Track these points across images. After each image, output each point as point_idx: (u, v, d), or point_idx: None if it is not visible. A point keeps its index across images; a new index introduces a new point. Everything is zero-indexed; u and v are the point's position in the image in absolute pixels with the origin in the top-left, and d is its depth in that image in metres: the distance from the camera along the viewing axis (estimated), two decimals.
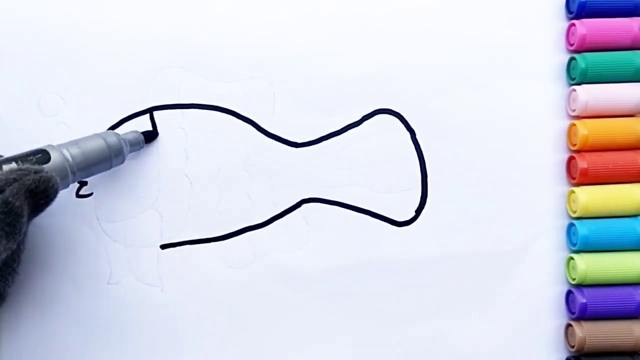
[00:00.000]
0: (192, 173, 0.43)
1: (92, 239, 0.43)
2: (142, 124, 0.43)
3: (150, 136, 0.43)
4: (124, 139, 0.40)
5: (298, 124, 0.43)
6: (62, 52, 0.43)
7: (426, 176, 0.43)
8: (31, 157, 0.35)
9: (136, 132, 0.42)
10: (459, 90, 0.43)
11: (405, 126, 0.43)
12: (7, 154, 0.36)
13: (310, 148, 0.43)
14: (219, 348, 0.42)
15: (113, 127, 0.43)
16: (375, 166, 0.43)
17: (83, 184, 0.43)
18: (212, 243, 0.43)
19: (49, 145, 0.37)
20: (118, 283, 0.43)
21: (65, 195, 0.43)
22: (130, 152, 0.41)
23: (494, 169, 0.43)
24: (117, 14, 0.43)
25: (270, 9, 0.43)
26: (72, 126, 0.43)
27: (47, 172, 0.34)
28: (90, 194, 0.43)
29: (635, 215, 0.41)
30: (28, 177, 0.33)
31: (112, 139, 0.39)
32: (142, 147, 0.42)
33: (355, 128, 0.43)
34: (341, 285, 0.42)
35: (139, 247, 0.43)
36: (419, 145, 0.43)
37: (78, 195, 0.43)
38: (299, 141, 0.43)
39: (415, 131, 0.43)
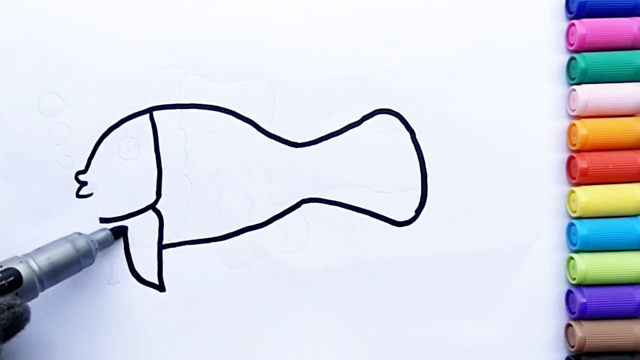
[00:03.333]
0: (192, 173, 0.43)
1: None
2: (142, 123, 0.43)
3: (120, 232, 0.42)
4: (92, 240, 0.40)
5: (298, 124, 0.43)
6: (62, 52, 0.43)
7: (426, 176, 0.43)
8: (3, 282, 0.35)
9: (105, 230, 0.42)
10: (459, 90, 0.43)
11: (405, 126, 0.43)
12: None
13: (310, 148, 0.43)
14: (218, 347, 0.42)
15: (113, 127, 0.43)
16: (375, 166, 0.43)
17: (83, 183, 0.43)
18: (212, 243, 0.43)
19: (14, 258, 0.36)
20: (118, 283, 0.43)
21: (65, 195, 0.43)
22: (100, 250, 0.41)
23: (494, 168, 0.43)
24: (117, 15, 0.43)
25: (270, 9, 0.43)
26: (72, 126, 0.43)
27: (20, 305, 0.34)
28: (91, 194, 0.43)
29: (635, 215, 0.41)
30: (2, 317, 0.33)
31: (80, 243, 0.39)
32: (111, 244, 0.42)
33: (355, 128, 0.43)
34: (341, 285, 0.42)
35: (139, 247, 0.43)
36: (419, 145, 0.43)
37: (78, 196, 0.43)
38: (299, 141, 0.43)
39: (415, 131, 0.43)
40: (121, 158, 0.43)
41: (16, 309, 0.34)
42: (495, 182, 0.43)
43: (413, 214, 0.43)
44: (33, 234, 0.42)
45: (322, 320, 0.42)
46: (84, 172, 0.43)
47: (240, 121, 0.43)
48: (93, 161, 0.43)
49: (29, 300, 0.36)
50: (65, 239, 0.39)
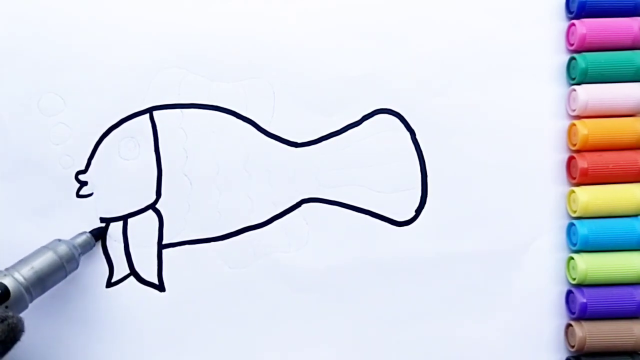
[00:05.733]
0: (192, 173, 0.43)
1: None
2: (142, 123, 0.43)
3: (100, 234, 0.42)
4: (73, 245, 0.40)
5: (298, 124, 0.43)
6: (62, 52, 0.43)
7: (426, 176, 0.43)
8: None
9: (84, 233, 0.41)
10: (459, 90, 0.43)
11: (405, 126, 0.43)
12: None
13: (310, 148, 0.43)
14: (219, 347, 0.42)
15: (113, 127, 0.43)
16: (375, 166, 0.43)
17: (83, 183, 0.43)
18: (212, 243, 0.43)
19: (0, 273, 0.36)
20: (118, 283, 0.43)
21: (65, 195, 0.43)
22: (82, 254, 0.41)
23: (494, 168, 0.43)
24: (117, 14, 0.43)
25: (270, 9, 0.43)
26: (72, 126, 0.43)
27: (13, 317, 0.34)
28: (91, 194, 0.43)
29: (635, 215, 0.41)
30: None
31: (62, 249, 0.39)
32: (93, 246, 0.42)
33: (355, 128, 0.43)
34: (341, 285, 0.42)
35: (139, 247, 0.43)
36: (419, 145, 0.43)
37: (78, 195, 0.43)
38: (299, 141, 0.43)
39: (415, 131, 0.43)
40: (121, 158, 0.43)
41: (9, 320, 0.34)
42: (495, 182, 0.43)
43: (413, 214, 0.43)
44: (33, 234, 0.42)
45: (322, 320, 0.42)
46: (84, 172, 0.43)
47: (240, 121, 0.43)
48: (93, 161, 0.43)
49: (20, 312, 0.36)
50: (46, 247, 0.39)
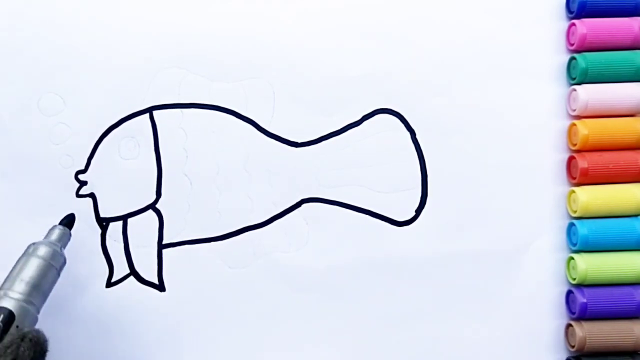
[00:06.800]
0: (192, 173, 0.43)
1: (92, 239, 0.43)
2: (142, 123, 0.43)
3: (71, 221, 0.41)
4: (50, 241, 0.38)
5: (298, 124, 0.43)
6: (62, 52, 0.43)
7: (426, 176, 0.43)
8: None
9: (55, 227, 0.40)
10: (459, 90, 0.43)
11: (405, 126, 0.43)
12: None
13: (310, 148, 0.43)
14: (218, 347, 0.42)
15: (113, 127, 0.43)
16: (375, 166, 0.43)
17: (83, 183, 0.43)
18: (212, 243, 0.43)
19: None
20: (118, 283, 0.43)
21: (65, 195, 0.43)
22: (64, 246, 0.39)
23: (494, 168, 0.43)
24: (117, 14, 0.43)
25: (270, 9, 0.43)
26: (72, 126, 0.43)
27: (30, 332, 0.33)
28: (91, 194, 0.43)
29: (635, 215, 0.41)
30: (22, 350, 0.32)
31: (42, 250, 0.37)
32: (70, 236, 0.40)
33: (355, 128, 0.43)
34: (341, 285, 0.42)
35: (139, 247, 0.43)
36: (419, 145, 0.43)
37: (78, 195, 0.43)
38: (299, 141, 0.43)
39: (415, 131, 0.43)
40: (121, 158, 0.43)
41: (29, 336, 0.33)
42: (496, 182, 0.43)
43: (413, 214, 0.43)
44: (33, 234, 0.42)
45: (322, 320, 0.42)
46: (83, 171, 0.43)
47: (240, 121, 0.43)
48: (93, 161, 0.43)
49: (33, 325, 0.35)
50: (25, 255, 0.37)
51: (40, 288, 0.36)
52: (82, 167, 0.43)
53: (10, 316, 0.34)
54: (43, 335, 0.34)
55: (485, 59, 0.43)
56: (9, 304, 0.34)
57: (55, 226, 0.40)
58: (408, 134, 0.43)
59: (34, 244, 0.38)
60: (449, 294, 0.42)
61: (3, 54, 0.43)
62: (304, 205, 0.43)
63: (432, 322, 0.42)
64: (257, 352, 0.42)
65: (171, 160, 0.43)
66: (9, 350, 0.32)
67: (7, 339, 0.33)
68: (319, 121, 0.43)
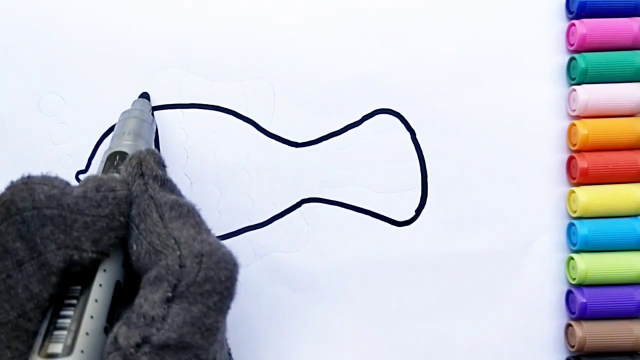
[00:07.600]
0: (192, 173, 0.43)
1: None
2: None
3: (147, 97, 0.43)
4: (135, 108, 0.41)
5: (298, 124, 0.43)
6: (62, 52, 0.43)
7: (426, 176, 0.43)
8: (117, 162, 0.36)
9: (137, 99, 0.42)
10: (459, 90, 0.43)
11: (405, 126, 0.43)
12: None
13: (310, 148, 0.43)
14: None
15: (113, 127, 0.43)
16: (375, 166, 0.43)
17: None
18: None
19: (112, 150, 0.37)
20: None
21: None
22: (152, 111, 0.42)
23: (494, 168, 0.43)
24: (117, 14, 0.43)
25: (270, 9, 0.43)
26: (72, 126, 0.43)
27: (141, 152, 0.34)
28: None
29: (635, 215, 0.41)
30: (143, 154, 0.33)
31: (133, 112, 0.40)
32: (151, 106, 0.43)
33: (355, 128, 0.43)
34: (341, 285, 0.42)
35: None
36: (419, 145, 0.43)
37: None
38: (299, 141, 0.43)
39: (415, 131, 0.43)
40: None
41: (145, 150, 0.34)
42: (495, 182, 0.43)
43: (413, 214, 0.43)
44: None
45: (322, 320, 0.42)
46: (84, 171, 0.43)
47: (240, 121, 0.43)
48: (94, 161, 0.43)
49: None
50: (120, 120, 0.40)
51: (142, 136, 0.39)
52: (83, 167, 0.43)
53: (124, 155, 0.36)
54: (158, 154, 0.35)
55: (485, 59, 0.43)
56: (123, 148, 0.37)
57: (136, 100, 0.42)
58: (408, 134, 0.43)
59: (125, 111, 0.40)
60: (449, 294, 0.42)
61: (3, 54, 0.43)
62: (304, 205, 0.43)
63: (432, 322, 0.42)
64: (256, 352, 0.42)
65: (171, 160, 0.43)
66: (133, 160, 0.33)
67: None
68: (319, 121, 0.43)
